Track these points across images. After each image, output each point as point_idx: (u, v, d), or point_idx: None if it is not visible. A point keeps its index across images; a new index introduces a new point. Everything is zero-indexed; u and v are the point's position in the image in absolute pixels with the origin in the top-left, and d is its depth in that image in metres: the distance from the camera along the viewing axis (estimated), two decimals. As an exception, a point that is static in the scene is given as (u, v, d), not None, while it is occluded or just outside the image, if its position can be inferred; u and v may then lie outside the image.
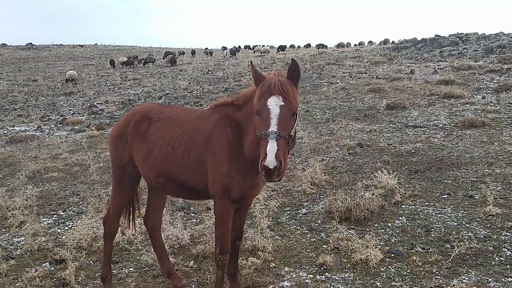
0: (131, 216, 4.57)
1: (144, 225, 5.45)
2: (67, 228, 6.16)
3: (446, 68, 19.50)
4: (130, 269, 4.83)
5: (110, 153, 4.20)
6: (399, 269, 4.45)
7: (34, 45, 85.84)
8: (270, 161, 2.84)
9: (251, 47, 71.61)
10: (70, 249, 5.13)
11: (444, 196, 6.42)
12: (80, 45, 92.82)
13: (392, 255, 4.72)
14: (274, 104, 3.03)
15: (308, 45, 69.14)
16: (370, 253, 4.51)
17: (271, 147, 2.87)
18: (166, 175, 3.76)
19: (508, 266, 4.36)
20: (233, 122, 3.57)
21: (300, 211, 6.33)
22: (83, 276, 4.53)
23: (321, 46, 55.28)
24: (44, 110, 20.17)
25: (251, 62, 3.73)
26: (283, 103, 3.01)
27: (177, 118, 3.83)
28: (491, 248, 4.74)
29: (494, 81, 15.84)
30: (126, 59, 47.88)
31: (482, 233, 5.12)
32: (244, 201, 3.73)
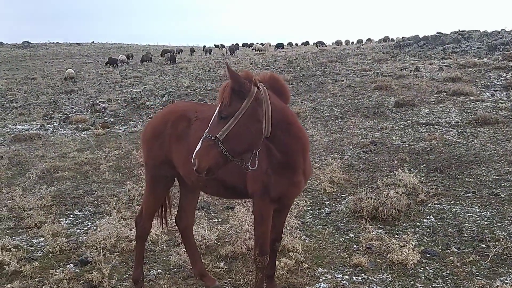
0: (163, 216, 4.47)
1: (165, 225, 5.36)
2: (86, 228, 6.04)
3: (451, 66, 19.43)
4: (159, 270, 4.71)
5: (144, 153, 4.07)
6: (438, 270, 4.35)
7: (30, 43, 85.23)
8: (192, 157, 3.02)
9: (249, 44, 71.43)
10: (95, 250, 5.01)
11: (469, 195, 6.32)
12: (77, 43, 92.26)
13: (428, 255, 4.62)
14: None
15: (307, 43, 69.02)
16: (408, 253, 4.41)
17: (197, 147, 3.03)
18: None
19: (549, 266, 4.27)
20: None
21: (323, 211, 6.23)
22: (116, 278, 4.40)
23: (320, 43, 55.14)
24: (46, 108, 19.95)
25: (226, 63, 3.60)
26: (218, 107, 3.07)
27: None
28: (528, 247, 4.65)
29: (501, 78, 15.77)
30: (125, 57, 47.60)
31: (516, 232, 5.03)
32: (283, 201, 3.62)
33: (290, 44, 71.67)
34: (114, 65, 44.05)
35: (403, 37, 36.93)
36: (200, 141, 3.02)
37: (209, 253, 5.01)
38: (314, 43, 58.94)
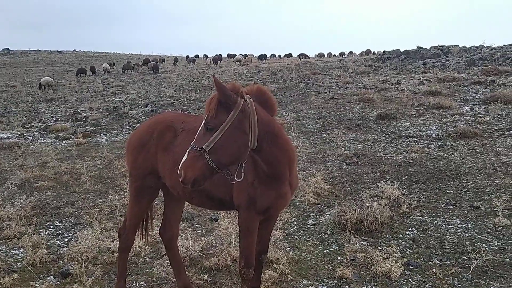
0: (143, 228, 4.42)
1: (150, 237, 5.30)
2: (66, 239, 5.93)
3: (431, 80, 19.80)
4: (141, 283, 4.64)
5: (129, 163, 4.03)
6: (421, 282, 4.39)
7: (11, 50, 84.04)
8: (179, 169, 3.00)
9: (232, 55, 71.78)
10: (76, 262, 4.91)
11: (450, 207, 6.42)
12: (58, 51, 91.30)
13: (411, 267, 4.66)
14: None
15: (290, 55, 69.60)
16: (392, 265, 4.44)
17: (183, 158, 3.01)
18: None
19: (528, 278, 4.35)
20: None
21: (307, 222, 6.24)
22: (98, 291, 4.33)
23: (303, 56, 55.65)
24: (26, 117, 19.66)
25: (213, 75, 3.62)
26: (204, 119, 3.07)
27: None
28: (508, 259, 4.73)
29: (480, 92, 16.13)
30: (108, 65, 47.33)
31: (496, 244, 5.11)
32: (270, 212, 3.61)
33: (273, 55, 72.21)
34: (81, 75, 43.58)
35: (384, 51, 37.49)
36: (187, 152, 3.01)
37: (193, 265, 4.96)
38: (297, 55, 59.46)
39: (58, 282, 4.65)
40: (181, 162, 2.99)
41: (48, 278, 4.75)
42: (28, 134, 15.51)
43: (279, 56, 73.89)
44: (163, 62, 61.67)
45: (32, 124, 17.61)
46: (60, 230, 6.31)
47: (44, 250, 5.33)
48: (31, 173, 9.51)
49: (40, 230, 6.27)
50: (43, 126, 16.79)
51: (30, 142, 14.11)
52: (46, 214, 7.03)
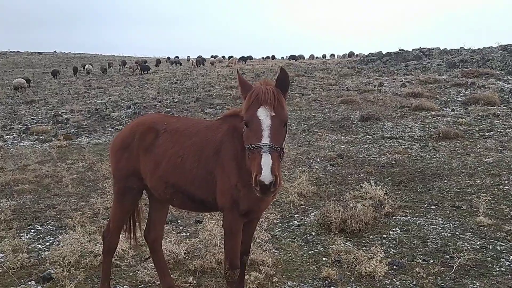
0: (131, 230, 4.36)
1: (133, 240, 5.24)
2: (48, 243, 5.82)
3: (413, 81, 20.06)
4: (125, 286, 4.57)
5: (112, 165, 3.98)
6: (404, 281, 4.42)
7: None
8: (266, 175, 2.68)
9: (214, 56, 71.52)
10: (58, 266, 4.82)
11: (432, 207, 6.50)
12: (38, 52, 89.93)
13: (395, 267, 4.69)
14: (264, 114, 2.90)
15: (273, 57, 69.77)
16: (376, 265, 4.47)
17: (266, 161, 2.71)
18: (175, 187, 3.60)
19: (509, 276, 4.42)
20: (241, 133, 3.47)
21: (292, 223, 6.25)
22: (81, 296, 4.26)
23: (292, 57, 55.86)
24: (5, 119, 19.27)
25: (237, 70, 3.61)
26: (274, 114, 2.90)
27: (186, 129, 3.69)
28: (489, 258, 4.80)
29: (461, 94, 16.41)
30: (91, 66, 46.87)
31: (478, 243, 5.18)
32: (252, 214, 3.60)
33: (250, 57, 71.96)
34: (57, 76, 43.06)
35: (370, 53, 37.80)
36: (269, 155, 2.74)
37: (178, 267, 4.92)
38: (287, 57, 59.62)
39: (40, 287, 4.56)
40: (268, 166, 2.70)
41: (30, 282, 4.65)
42: (8, 136, 15.20)
43: (263, 58, 73.90)
44: (145, 63, 61.27)
45: (12, 126, 17.27)
46: (41, 234, 6.20)
47: (25, 254, 5.23)
48: (11, 176, 9.32)
49: (21, 234, 6.15)
50: (23, 128, 16.49)
51: (10, 144, 13.84)
52: (27, 217, 6.89)
